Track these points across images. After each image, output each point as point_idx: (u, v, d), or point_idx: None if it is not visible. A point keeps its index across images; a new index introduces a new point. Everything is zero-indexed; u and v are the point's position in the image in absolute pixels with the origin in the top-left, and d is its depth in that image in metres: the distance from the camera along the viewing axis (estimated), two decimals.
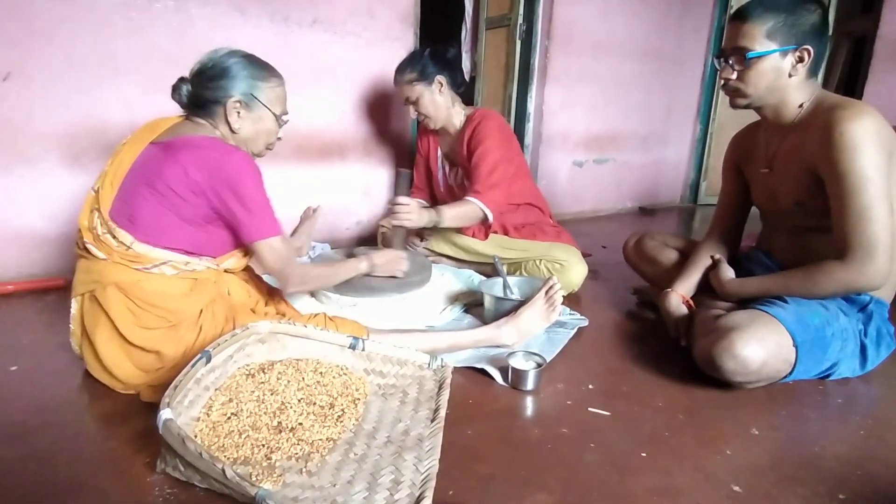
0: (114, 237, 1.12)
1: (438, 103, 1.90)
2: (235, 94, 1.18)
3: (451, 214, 1.80)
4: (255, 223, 1.14)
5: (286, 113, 1.28)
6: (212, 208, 1.13)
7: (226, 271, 1.24)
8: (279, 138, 1.31)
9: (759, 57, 1.24)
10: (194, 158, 1.10)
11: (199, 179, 1.09)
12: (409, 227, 1.74)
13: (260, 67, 1.22)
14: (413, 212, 1.69)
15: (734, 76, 1.28)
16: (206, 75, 1.18)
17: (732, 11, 1.36)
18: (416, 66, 1.87)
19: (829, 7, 3.35)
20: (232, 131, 1.22)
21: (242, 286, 1.27)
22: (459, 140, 1.95)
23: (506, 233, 1.96)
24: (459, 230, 1.97)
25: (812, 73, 1.27)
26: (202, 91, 1.18)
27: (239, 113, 1.20)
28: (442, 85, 1.88)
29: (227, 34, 2.02)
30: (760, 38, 1.22)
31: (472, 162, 1.87)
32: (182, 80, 1.21)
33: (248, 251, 1.25)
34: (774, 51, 1.23)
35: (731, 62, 1.28)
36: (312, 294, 1.67)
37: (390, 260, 1.55)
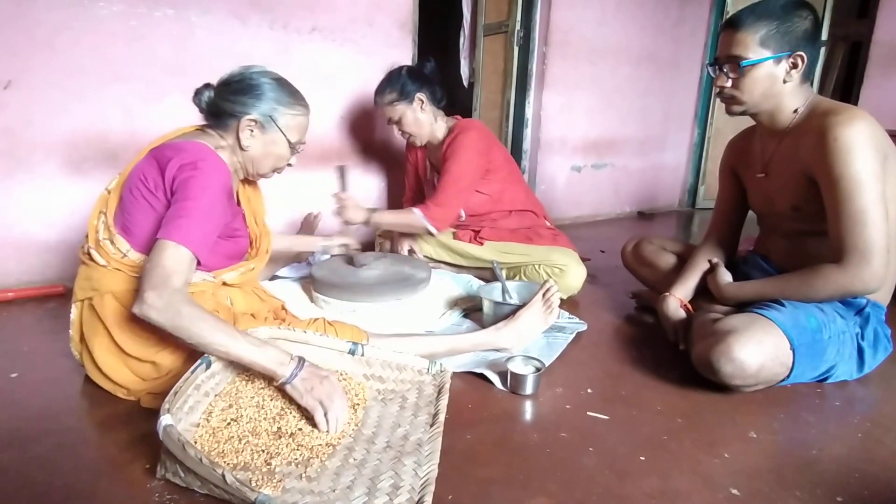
0: (112, 243, 1.12)
1: (421, 121, 1.91)
2: (253, 113, 1.16)
3: (387, 219, 1.91)
4: (184, 226, 1.02)
5: (303, 143, 1.26)
6: (169, 203, 1.07)
7: (225, 284, 1.22)
8: (290, 164, 1.28)
9: (754, 65, 1.24)
10: (170, 159, 1.07)
11: (168, 178, 1.07)
12: (349, 220, 1.81)
13: (287, 93, 1.20)
14: (349, 207, 1.80)
15: (729, 84, 1.29)
16: (231, 87, 1.17)
17: (725, 19, 1.36)
18: (395, 86, 1.87)
19: (824, 12, 3.37)
20: (241, 148, 1.20)
21: (246, 297, 1.26)
22: (442, 152, 1.96)
23: (504, 238, 1.97)
24: (454, 236, 2.01)
25: (806, 78, 1.28)
26: (222, 101, 1.17)
27: (252, 132, 1.19)
28: (423, 102, 1.89)
29: (227, 42, 2.04)
30: (754, 46, 1.23)
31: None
32: (206, 86, 1.20)
33: (255, 267, 1.27)
34: (768, 58, 1.24)
35: (725, 70, 1.29)
36: (311, 299, 1.67)
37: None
